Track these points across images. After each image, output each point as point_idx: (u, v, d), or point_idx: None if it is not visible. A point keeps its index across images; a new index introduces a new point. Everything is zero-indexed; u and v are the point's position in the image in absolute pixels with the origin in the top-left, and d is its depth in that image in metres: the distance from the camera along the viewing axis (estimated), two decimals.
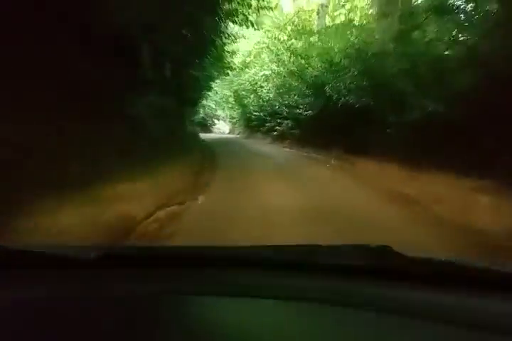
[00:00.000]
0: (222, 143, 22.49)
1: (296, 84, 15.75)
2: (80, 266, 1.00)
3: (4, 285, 0.97)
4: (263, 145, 19.15)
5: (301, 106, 15.67)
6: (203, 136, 30.71)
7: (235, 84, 28.42)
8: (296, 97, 16.26)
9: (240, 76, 26.33)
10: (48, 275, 1.00)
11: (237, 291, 0.92)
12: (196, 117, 36.25)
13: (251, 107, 25.15)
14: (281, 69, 17.84)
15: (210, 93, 25.06)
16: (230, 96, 32.13)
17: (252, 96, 24.08)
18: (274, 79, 18.84)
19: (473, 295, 0.85)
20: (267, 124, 21.50)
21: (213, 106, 49.69)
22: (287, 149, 17.07)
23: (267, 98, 20.75)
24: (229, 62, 18.04)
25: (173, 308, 0.89)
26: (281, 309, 0.86)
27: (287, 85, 17.03)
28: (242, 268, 1.02)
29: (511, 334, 0.75)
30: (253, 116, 24.88)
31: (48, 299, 0.90)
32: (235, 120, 35.87)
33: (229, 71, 21.21)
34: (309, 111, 14.87)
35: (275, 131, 19.65)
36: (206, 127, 49.20)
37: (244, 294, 0.91)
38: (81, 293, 0.93)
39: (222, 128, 54.60)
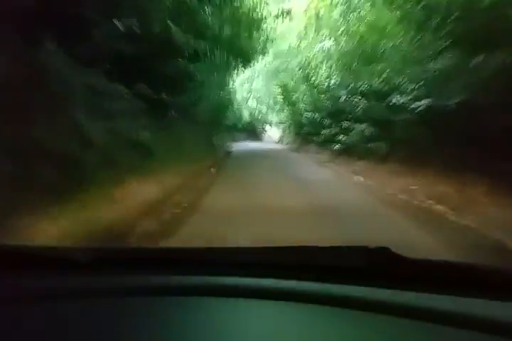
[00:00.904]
0: (253, 159, 14.07)
1: (392, 42, 7.06)
2: (76, 268, 0.99)
3: (2, 285, 0.95)
4: (314, 167, 10.42)
5: (402, 90, 6.94)
6: (242, 146, 22.86)
7: (281, 72, 20.08)
8: (387, 73, 7.60)
9: (288, 59, 17.91)
10: (45, 276, 0.99)
11: (235, 293, 0.90)
12: (234, 121, 28.19)
13: (301, 105, 16.61)
14: (355, 26, 9.22)
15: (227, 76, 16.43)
16: (279, 93, 23.81)
17: (303, 86, 15.52)
18: (342, 46, 10.13)
19: (473, 297, 0.82)
20: (324, 131, 12.79)
21: (264, 110, 42.07)
22: (360, 179, 7.81)
23: (326, 86, 12.09)
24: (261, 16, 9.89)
25: (169, 310, 0.87)
26: (280, 310, 0.85)
27: (368, 51, 8.37)
28: (240, 270, 0.98)
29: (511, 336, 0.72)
30: (304, 119, 16.36)
31: (44, 299, 0.89)
32: (284, 125, 27.39)
33: (264, 36, 12.89)
34: (425, 101, 6.11)
35: (338, 142, 11.07)
36: (255, 134, 41.45)
37: (242, 295, 0.89)
38: (77, 294, 0.92)
39: (273, 136, 46.50)
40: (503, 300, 0.81)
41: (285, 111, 23.87)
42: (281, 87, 21.50)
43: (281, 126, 28.32)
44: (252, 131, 40.32)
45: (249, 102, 41.80)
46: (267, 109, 42.20)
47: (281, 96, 22.73)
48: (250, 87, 41.19)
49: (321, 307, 0.83)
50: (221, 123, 21.24)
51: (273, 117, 42.30)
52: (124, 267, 1.01)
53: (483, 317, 0.76)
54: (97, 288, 0.94)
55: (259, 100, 41.84)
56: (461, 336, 0.73)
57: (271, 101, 36.68)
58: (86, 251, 1.05)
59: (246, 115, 34.95)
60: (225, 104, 19.82)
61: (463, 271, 0.89)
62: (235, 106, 25.15)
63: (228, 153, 15.42)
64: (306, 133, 17.69)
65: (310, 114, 14.62)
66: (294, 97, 19.12)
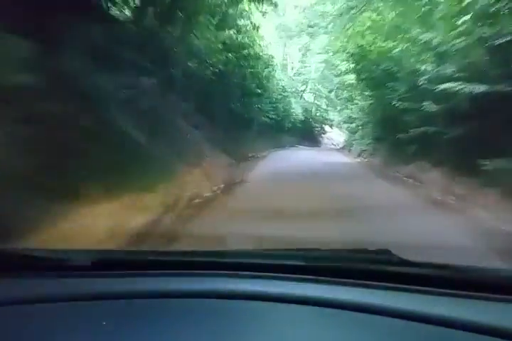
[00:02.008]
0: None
1: None
2: (77, 270, 0.98)
3: (2, 287, 0.93)
4: None
5: None
6: (281, 158, 13.11)
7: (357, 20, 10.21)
8: None
9: None
10: (46, 279, 0.97)
11: (235, 295, 0.87)
12: (279, 119, 18.52)
13: (420, 77, 6.91)
14: None
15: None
16: (348, 70, 14.09)
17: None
18: None
19: (474, 298, 0.80)
20: None
21: (324, 106, 32.30)
22: None
23: None
24: None
25: (171, 312, 0.84)
26: (281, 313, 0.82)
27: None
28: (241, 272, 0.95)
29: (510, 337, 0.70)
30: (426, 110, 6.69)
31: (45, 302, 0.87)
32: (353, 125, 17.00)
33: None
34: None
35: None
36: (311, 137, 31.86)
37: (243, 298, 0.86)
38: (78, 297, 0.88)
39: (335, 139, 36.47)
40: (504, 302, 0.78)
41: (357, 100, 14.08)
42: (352, 55, 11.76)
43: (348, 126, 18.18)
44: (307, 132, 30.80)
45: (305, 96, 32.46)
46: (327, 104, 32.43)
47: (354, 75, 12.99)
48: (307, 77, 31.77)
49: (321, 309, 0.80)
50: (246, 120, 11.97)
51: (335, 115, 32.57)
52: (125, 269, 0.98)
53: (483, 319, 0.73)
54: (99, 291, 0.91)
55: (317, 93, 32.24)
56: (462, 338, 0.71)
57: (331, 95, 27.06)
58: (87, 253, 1.05)
59: (299, 111, 25.36)
60: (248, 88, 10.53)
61: (463, 273, 0.88)
62: (275, 96, 15.56)
63: (227, 188, 6.07)
64: (407, 140, 7.98)
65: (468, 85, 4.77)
66: (382, 68, 9.40)
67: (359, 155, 14.41)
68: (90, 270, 0.96)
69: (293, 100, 22.13)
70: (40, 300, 0.86)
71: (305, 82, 32.67)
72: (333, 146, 34.13)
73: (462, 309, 0.77)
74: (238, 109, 10.22)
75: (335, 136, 37.75)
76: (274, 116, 15.75)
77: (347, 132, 22.01)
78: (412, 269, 0.87)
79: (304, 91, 32.71)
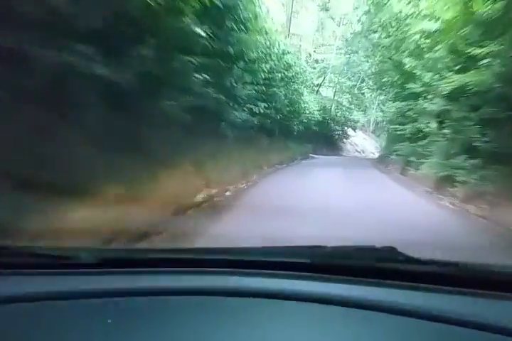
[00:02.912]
0: None
1: None
2: (81, 268, 0.96)
3: (4, 284, 0.91)
4: None
5: None
6: (267, 196, 5.62)
7: None
8: None
9: None
10: (49, 277, 0.95)
11: (239, 292, 0.86)
12: (282, 118, 11.03)
13: None
14: None
15: None
16: (414, 13, 6.84)
17: None
18: None
19: (477, 296, 0.81)
20: None
21: (346, 104, 24.99)
22: None
23: None
24: None
25: (174, 310, 0.83)
26: (286, 310, 0.82)
27: None
28: (245, 270, 0.94)
29: None
30: None
31: (49, 300, 0.85)
32: (411, 126, 9.60)
33: None
34: None
35: None
36: (331, 143, 24.78)
37: (246, 295, 0.85)
38: (82, 295, 0.87)
39: (360, 145, 29.13)
40: (508, 298, 0.78)
41: (433, 77, 6.79)
42: None
43: (400, 128, 10.63)
44: (325, 137, 23.97)
45: (322, 92, 25.19)
46: (350, 100, 25.16)
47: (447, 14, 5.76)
48: (325, 65, 24.56)
49: (327, 307, 0.80)
50: (193, 116, 4.77)
51: (359, 114, 25.42)
52: (129, 267, 0.97)
53: (490, 317, 0.72)
54: (103, 289, 0.89)
55: (337, 87, 24.93)
56: (468, 336, 0.70)
57: (355, 89, 19.92)
58: (91, 251, 1.04)
59: (314, 109, 18.11)
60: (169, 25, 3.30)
61: (470, 271, 0.87)
62: (267, 73, 8.26)
63: None
64: None
65: None
66: None
67: (438, 188, 7.00)
68: (94, 268, 0.94)
69: (306, 91, 14.81)
70: (44, 298, 0.84)
71: (322, 73, 25.41)
72: (358, 154, 26.73)
73: (469, 307, 0.76)
74: (132, 81, 3.05)
75: (359, 140, 30.30)
76: (269, 112, 8.47)
77: (385, 138, 14.55)
78: (418, 267, 0.87)
79: (320, 85, 25.47)
